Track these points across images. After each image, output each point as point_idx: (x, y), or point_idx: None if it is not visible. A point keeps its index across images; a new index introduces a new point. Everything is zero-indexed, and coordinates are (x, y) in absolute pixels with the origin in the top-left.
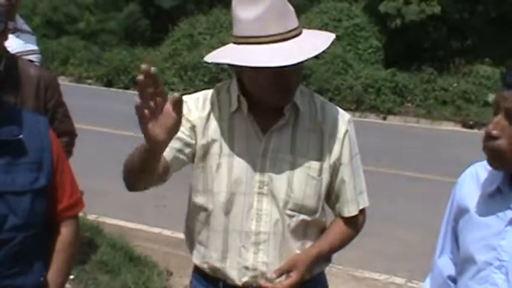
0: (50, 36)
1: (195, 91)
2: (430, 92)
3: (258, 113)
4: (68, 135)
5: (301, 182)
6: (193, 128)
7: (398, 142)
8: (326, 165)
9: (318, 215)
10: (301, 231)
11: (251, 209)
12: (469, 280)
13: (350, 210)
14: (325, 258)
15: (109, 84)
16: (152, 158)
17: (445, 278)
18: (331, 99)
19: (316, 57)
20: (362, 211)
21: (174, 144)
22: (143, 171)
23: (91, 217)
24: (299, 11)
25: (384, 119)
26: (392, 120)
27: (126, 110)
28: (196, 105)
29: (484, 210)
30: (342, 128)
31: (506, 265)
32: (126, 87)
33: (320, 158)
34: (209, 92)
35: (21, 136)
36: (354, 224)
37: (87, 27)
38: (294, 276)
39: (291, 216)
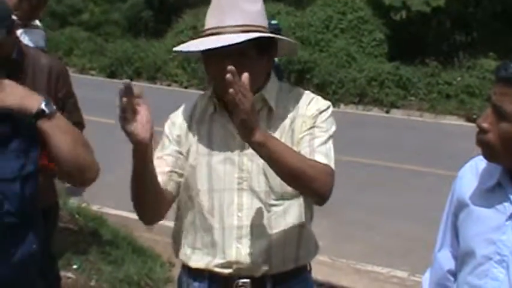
0: (53, 27)
1: (198, 83)
2: (434, 86)
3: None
4: (76, 126)
5: None
6: (178, 139)
7: (401, 136)
8: (300, 147)
9: (300, 198)
10: (283, 218)
11: (232, 204)
12: (468, 274)
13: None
14: (275, 158)
15: (112, 75)
16: (142, 162)
17: (445, 271)
18: (334, 92)
19: (320, 50)
20: (327, 173)
21: (165, 167)
22: (142, 186)
23: (94, 208)
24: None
25: (387, 112)
26: (396, 113)
27: None
28: (180, 117)
29: (484, 204)
30: (313, 108)
31: (506, 260)
32: (130, 79)
33: (293, 142)
34: (195, 100)
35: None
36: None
37: (91, 19)
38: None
39: (273, 205)
